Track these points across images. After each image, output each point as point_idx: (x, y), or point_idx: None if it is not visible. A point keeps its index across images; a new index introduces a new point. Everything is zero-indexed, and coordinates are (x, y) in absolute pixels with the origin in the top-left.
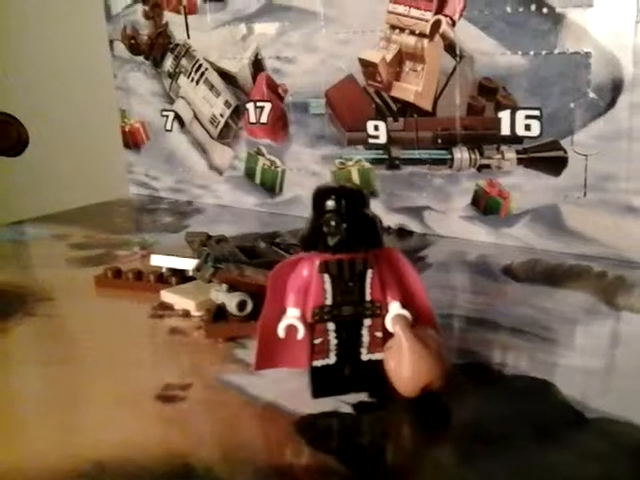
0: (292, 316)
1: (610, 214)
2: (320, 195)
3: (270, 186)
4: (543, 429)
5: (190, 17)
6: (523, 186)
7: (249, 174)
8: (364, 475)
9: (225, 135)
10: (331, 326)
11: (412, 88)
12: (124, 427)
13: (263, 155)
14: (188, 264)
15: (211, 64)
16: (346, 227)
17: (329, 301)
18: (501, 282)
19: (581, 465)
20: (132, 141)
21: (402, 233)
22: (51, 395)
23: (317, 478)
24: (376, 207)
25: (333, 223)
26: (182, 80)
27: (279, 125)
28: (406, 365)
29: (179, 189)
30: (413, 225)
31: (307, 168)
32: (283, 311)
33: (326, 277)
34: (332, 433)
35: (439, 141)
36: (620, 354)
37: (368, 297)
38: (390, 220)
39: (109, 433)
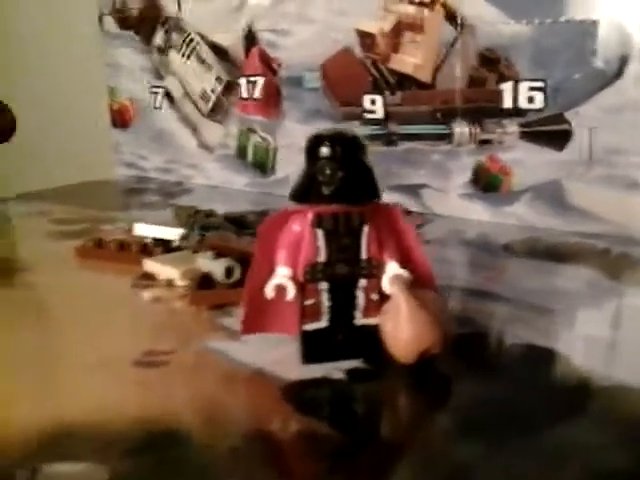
0: (282, 275)
1: (615, 190)
2: (314, 142)
3: (262, 165)
4: (549, 398)
5: None
6: (525, 161)
7: (241, 152)
8: (357, 442)
9: (216, 112)
10: (324, 286)
11: (411, 60)
12: (101, 392)
13: (255, 132)
14: (173, 233)
15: (203, 38)
16: (342, 175)
17: (322, 258)
18: (502, 258)
19: (589, 435)
20: (120, 119)
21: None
22: (27, 361)
23: (306, 444)
24: None
25: (328, 171)
26: (172, 55)
27: (272, 101)
28: (404, 328)
29: (168, 169)
30: (410, 204)
31: (301, 145)
32: (272, 270)
33: (319, 232)
34: (323, 400)
35: (438, 115)
36: (627, 326)
37: (364, 255)
38: (386, 199)
39: (85, 398)
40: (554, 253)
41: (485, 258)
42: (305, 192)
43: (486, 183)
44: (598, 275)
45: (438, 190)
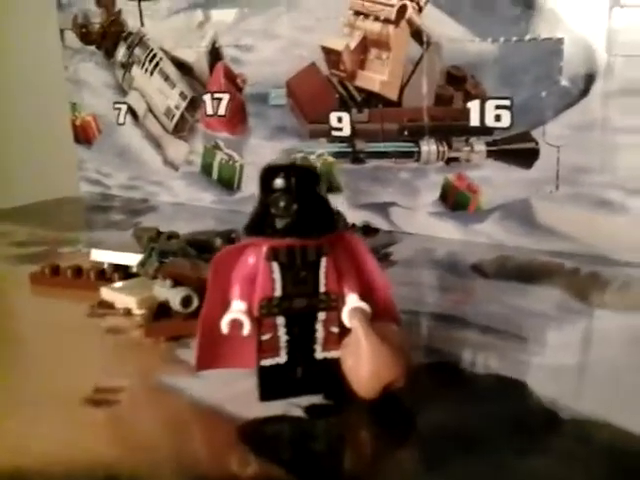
0: (237, 310)
1: (583, 208)
2: (268, 173)
3: (228, 182)
4: (515, 430)
5: (144, 3)
6: (493, 180)
7: (206, 170)
8: None
9: (181, 128)
10: (281, 320)
11: (377, 77)
12: (47, 433)
13: (221, 149)
14: (131, 259)
15: (166, 53)
16: (297, 208)
17: (278, 292)
18: (470, 279)
19: (556, 468)
20: (83, 136)
21: (367, 230)
22: None
23: None
24: (340, 203)
25: (282, 204)
26: (135, 71)
27: (238, 117)
28: (365, 363)
29: (132, 186)
30: (378, 222)
31: (266, 162)
32: (227, 304)
33: (275, 265)
34: (281, 440)
35: (405, 133)
36: (594, 352)
37: (322, 288)
38: (355, 217)
39: (30, 439)
40: (523, 272)
41: (454, 280)
42: (259, 225)
43: (454, 201)
44: (567, 297)
45: (407, 208)
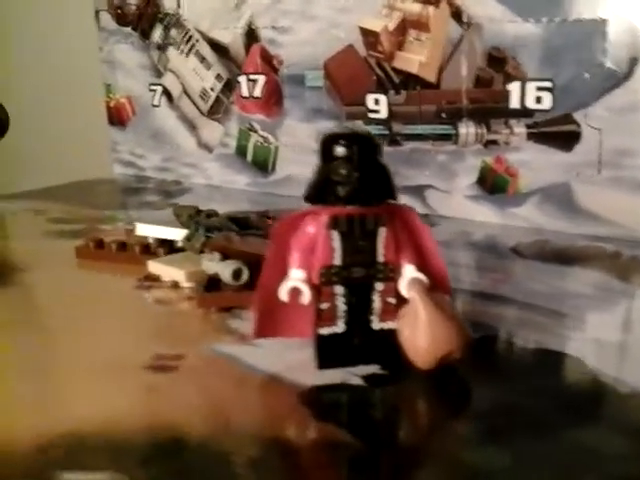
0: (296, 278)
1: (625, 192)
2: (329, 141)
3: (263, 164)
4: (568, 403)
5: None
6: (532, 163)
7: (240, 152)
8: (376, 449)
9: (215, 110)
10: (339, 289)
11: (416, 58)
12: (107, 399)
13: (256, 131)
14: (177, 234)
15: (202, 35)
16: (358, 176)
17: (338, 261)
18: (510, 260)
19: (610, 440)
20: (117, 117)
21: None
22: (29, 365)
23: (325, 452)
24: None
25: (344, 171)
26: (171, 52)
27: (273, 99)
28: (423, 333)
29: (166, 168)
30: (414, 205)
31: (302, 144)
32: (285, 273)
33: (335, 234)
34: (341, 406)
35: (443, 115)
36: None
37: (380, 258)
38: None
39: (90, 405)
40: (563, 256)
41: (492, 260)
42: (320, 193)
43: (492, 184)
44: (608, 278)
45: (443, 191)
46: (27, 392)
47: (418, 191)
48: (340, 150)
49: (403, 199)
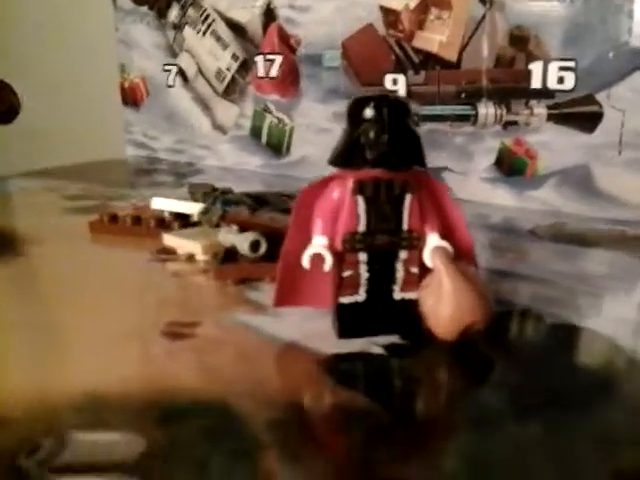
0: (319, 244)
1: None
2: (358, 103)
3: (277, 146)
4: (595, 379)
5: None
6: (552, 144)
7: (255, 133)
8: (395, 417)
9: (231, 91)
10: (363, 257)
11: (436, 37)
12: (126, 363)
13: (271, 112)
14: (193, 208)
15: (219, 14)
16: (388, 139)
17: (362, 228)
18: (528, 241)
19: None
20: (131, 98)
21: None
22: (48, 332)
23: (345, 417)
24: None
25: (372, 134)
26: (188, 32)
27: (290, 79)
28: (446, 303)
29: (179, 150)
30: None
31: (317, 125)
32: (309, 239)
33: (360, 199)
34: (361, 374)
35: (463, 95)
36: None
37: (405, 226)
38: None
39: (111, 368)
40: (583, 239)
41: (511, 241)
42: (346, 156)
43: (510, 166)
44: (630, 259)
45: (460, 173)
46: (46, 359)
47: (435, 173)
48: (369, 112)
49: None
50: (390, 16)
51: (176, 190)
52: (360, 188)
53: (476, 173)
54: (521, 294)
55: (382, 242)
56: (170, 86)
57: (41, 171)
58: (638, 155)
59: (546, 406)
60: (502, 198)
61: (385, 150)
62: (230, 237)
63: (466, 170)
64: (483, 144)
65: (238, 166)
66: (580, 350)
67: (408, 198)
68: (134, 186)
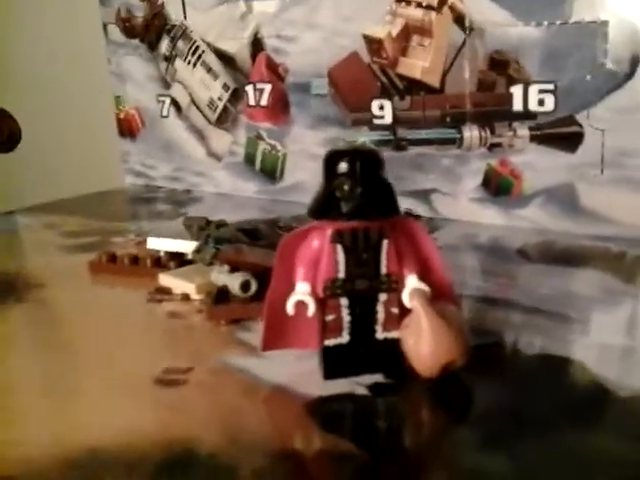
0: (302, 291)
1: (629, 192)
2: (332, 158)
3: (271, 172)
4: (573, 408)
5: None
6: (536, 164)
7: (249, 160)
8: (382, 459)
9: (223, 120)
10: (344, 301)
11: (419, 64)
12: (121, 413)
13: (263, 139)
14: (187, 247)
15: (209, 45)
16: (361, 191)
17: (342, 274)
18: (515, 263)
19: (616, 445)
20: (127, 128)
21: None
22: (44, 381)
23: (331, 462)
24: None
25: (347, 187)
26: (179, 63)
27: (279, 107)
28: (426, 342)
29: (176, 177)
30: (420, 209)
31: (309, 151)
32: (292, 286)
33: (339, 248)
34: (346, 416)
35: (448, 119)
36: None
37: (384, 270)
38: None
39: (105, 419)
40: (568, 257)
41: (498, 263)
42: (324, 208)
43: (497, 187)
44: (613, 280)
45: (448, 194)
46: (42, 406)
47: (424, 195)
48: (343, 166)
49: (409, 203)
50: (374, 44)
51: (173, 222)
52: (338, 237)
53: (464, 194)
54: (507, 323)
55: (362, 287)
56: (164, 116)
57: (42, 206)
58: (620, 173)
59: (520, 436)
60: (490, 217)
61: (359, 203)
62: (222, 277)
63: (454, 191)
64: (470, 166)
65: (234, 192)
66: (559, 381)
67: (385, 244)
68: (134, 217)
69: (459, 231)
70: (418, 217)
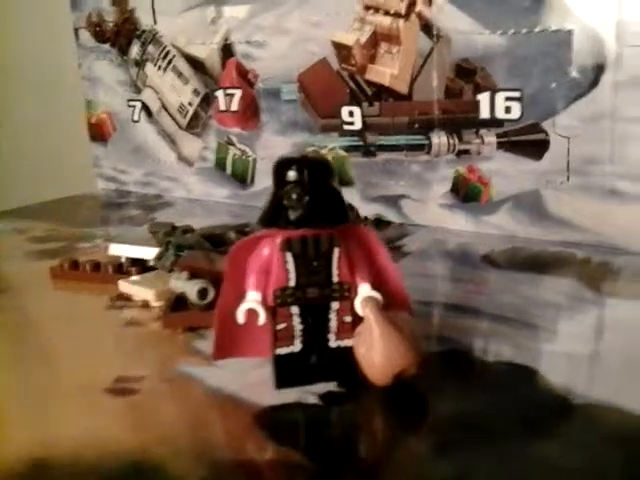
0: (252, 300)
1: (594, 199)
2: (281, 166)
3: (242, 177)
4: (527, 418)
5: (157, 0)
6: (504, 171)
7: (220, 165)
8: (332, 470)
9: (194, 125)
10: (295, 310)
11: (387, 71)
12: (72, 422)
13: (234, 144)
14: (148, 253)
15: (179, 50)
16: (309, 200)
17: (292, 282)
18: (482, 270)
19: (567, 455)
20: (99, 133)
21: (379, 223)
22: None
23: (280, 474)
24: (352, 197)
25: (295, 196)
26: (149, 68)
27: (250, 113)
28: (378, 350)
29: (148, 182)
30: (390, 215)
31: (278, 156)
32: (243, 295)
33: (289, 256)
34: (297, 426)
35: (416, 126)
36: (606, 340)
37: (335, 278)
38: (366, 210)
39: (54, 429)
40: (535, 263)
41: (465, 270)
42: (273, 217)
43: (466, 193)
44: (579, 286)
45: (418, 200)
46: None
47: (393, 200)
48: (291, 174)
49: (379, 209)
50: (342, 51)
51: (142, 227)
52: (288, 245)
53: (433, 200)
54: (470, 330)
55: (313, 295)
56: (135, 121)
57: (12, 211)
58: (585, 180)
59: (472, 445)
60: (459, 224)
61: (307, 211)
62: (180, 284)
63: (424, 197)
64: (438, 172)
65: (205, 197)
66: (512, 388)
67: (336, 251)
68: (103, 223)
69: (428, 237)
70: (388, 223)
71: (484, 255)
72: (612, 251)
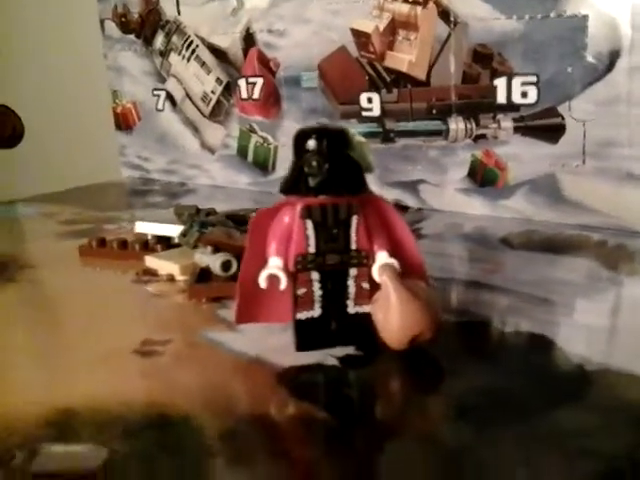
0: (274, 266)
1: (610, 182)
2: (301, 136)
3: (263, 164)
4: (542, 382)
5: None
6: (520, 156)
7: (241, 152)
8: (351, 425)
9: (217, 113)
10: (315, 276)
11: (405, 57)
12: (101, 380)
13: (255, 132)
14: (173, 230)
15: (202, 40)
16: (328, 167)
17: (312, 249)
18: (499, 251)
19: (584, 419)
20: (124, 122)
21: (397, 208)
22: (32, 353)
23: (301, 427)
24: (371, 182)
25: (314, 163)
26: (173, 58)
27: (271, 101)
28: (394, 315)
29: (171, 170)
30: (408, 199)
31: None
32: (264, 262)
33: (309, 223)
34: (317, 385)
35: (434, 111)
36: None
37: (354, 245)
38: (385, 195)
39: (85, 386)
40: (551, 245)
41: (483, 251)
42: (293, 184)
43: (483, 178)
44: (596, 266)
45: (435, 185)
46: (28, 377)
47: (411, 186)
48: (311, 143)
49: (398, 194)
50: (361, 38)
51: (165, 211)
52: (308, 213)
53: (451, 184)
54: (488, 304)
55: (332, 261)
56: (160, 110)
57: (41, 196)
58: (600, 164)
59: (488, 410)
60: (476, 208)
61: (326, 178)
62: (205, 258)
63: (441, 182)
64: (456, 157)
65: (228, 184)
66: (529, 357)
67: (355, 219)
68: (127, 208)
69: (446, 221)
70: (406, 208)
71: (501, 238)
72: (628, 234)
